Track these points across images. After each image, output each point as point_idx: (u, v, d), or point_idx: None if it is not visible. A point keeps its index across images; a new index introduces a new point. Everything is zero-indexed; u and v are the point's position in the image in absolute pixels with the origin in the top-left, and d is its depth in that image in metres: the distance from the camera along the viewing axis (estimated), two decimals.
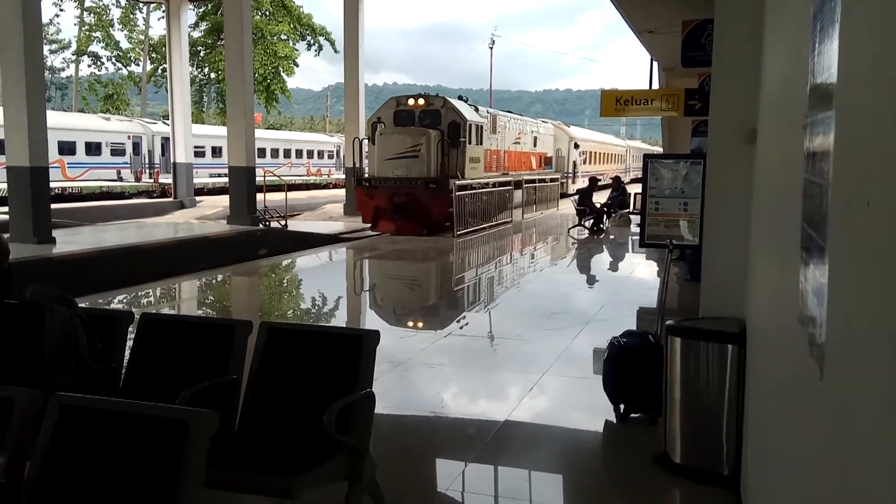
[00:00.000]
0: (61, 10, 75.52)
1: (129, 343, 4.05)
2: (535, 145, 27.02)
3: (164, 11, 25.38)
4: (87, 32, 44.42)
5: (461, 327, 8.47)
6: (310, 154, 44.14)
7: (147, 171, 32.77)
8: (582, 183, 27.29)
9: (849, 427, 1.41)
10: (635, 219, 17.12)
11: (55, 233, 13.70)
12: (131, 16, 44.80)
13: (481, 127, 19.98)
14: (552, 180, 26.52)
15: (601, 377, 5.16)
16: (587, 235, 17.81)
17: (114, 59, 45.74)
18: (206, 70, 44.38)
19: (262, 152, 32.33)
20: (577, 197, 19.11)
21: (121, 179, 31.24)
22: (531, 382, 5.91)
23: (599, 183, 21.34)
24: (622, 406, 5.03)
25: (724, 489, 3.89)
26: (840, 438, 1.48)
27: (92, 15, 44.26)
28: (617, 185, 20.98)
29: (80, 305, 3.96)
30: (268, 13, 42.69)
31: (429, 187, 17.26)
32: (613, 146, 45.94)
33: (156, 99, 56.42)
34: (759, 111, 3.97)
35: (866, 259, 1.30)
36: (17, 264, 7.01)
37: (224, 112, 31.38)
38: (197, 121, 36.92)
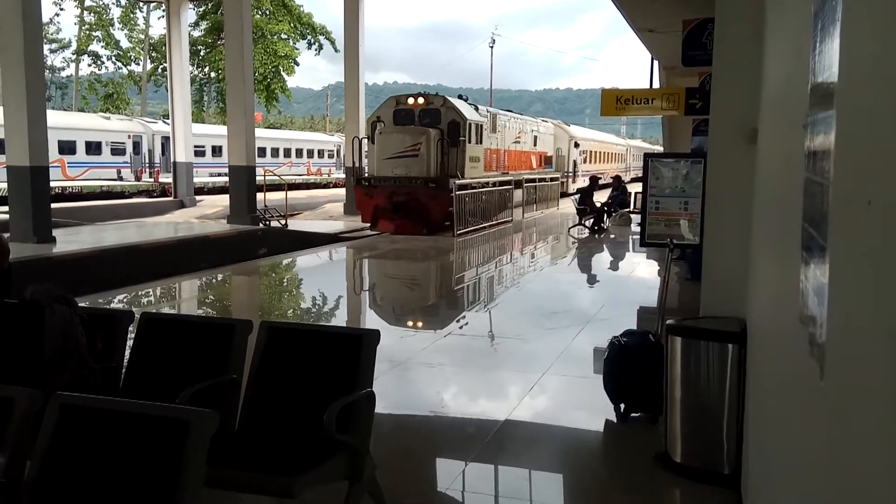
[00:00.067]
0: (61, 9, 75.56)
1: (130, 342, 4.05)
2: (535, 144, 27.01)
3: (164, 10, 25.39)
4: (88, 32, 44.44)
5: (461, 327, 8.47)
6: (310, 153, 44.13)
7: (147, 170, 32.76)
8: (582, 182, 27.32)
9: (849, 426, 1.41)
10: (636, 218, 17.11)
11: (55, 232, 13.69)
12: (131, 15, 44.83)
13: (481, 126, 19.96)
14: (552, 179, 26.50)
15: (601, 377, 5.16)
16: (587, 235, 17.81)
17: (114, 59, 45.81)
18: (207, 69, 44.36)
19: (262, 151, 32.32)
20: (577, 196, 19.10)
21: (121, 179, 31.23)
22: (531, 382, 5.91)
23: (600, 182, 21.34)
24: (622, 405, 5.02)
25: (725, 488, 3.89)
26: (840, 438, 1.48)
27: (92, 14, 44.30)
28: (617, 184, 20.98)
29: (80, 305, 3.96)
30: (268, 12, 42.68)
31: (428, 186, 17.25)
32: (614, 145, 45.93)
33: (156, 98, 56.41)
34: (760, 110, 3.97)
35: (867, 258, 1.30)
36: (18, 264, 7.01)
37: (224, 111, 31.38)
38: (197, 120, 36.90)
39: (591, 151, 37.19)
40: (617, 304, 9.43)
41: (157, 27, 47.97)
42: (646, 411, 4.94)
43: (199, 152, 32.18)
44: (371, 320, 9.33)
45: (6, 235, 8.17)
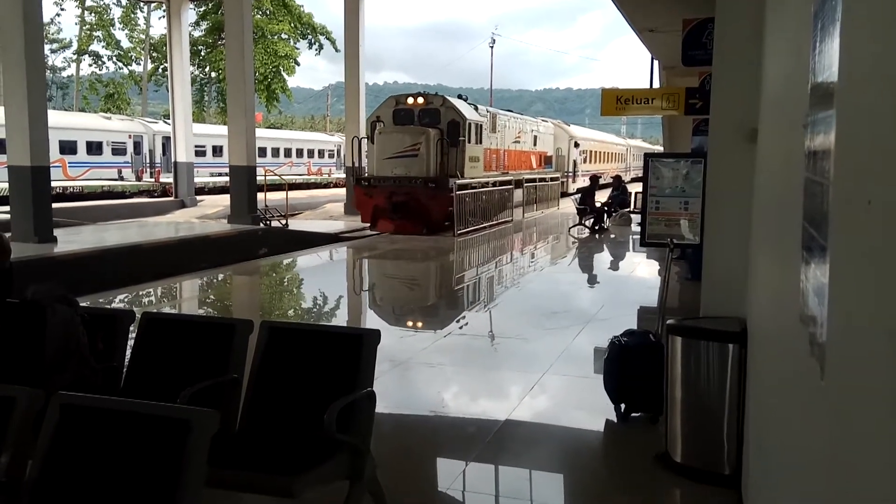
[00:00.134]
0: (62, 9, 75.10)
1: (131, 342, 4.06)
2: (535, 144, 27.00)
3: (164, 11, 25.39)
4: (88, 32, 44.42)
5: (461, 327, 8.47)
6: (310, 153, 44.14)
7: (148, 170, 32.77)
8: (582, 182, 27.32)
9: (850, 426, 1.41)
10: (636, 218, 17.11)
11: (56, 232, 13.70)
12: (132, 15, 44.82)
13: (481, 126, 19.96)
14: (552, 179, 26.49)
15: (602, 376, 5.16)
16: (588, 234, 17.80)
17: (115, 59, 45.79)
18: (207, 69, 44.35)
19: (262, 151, 32.31)
20: (577, 196, 19.10)
21: (122, 179, 31.25)
22: (532, 382, 5.91)
23: (600, 181, 21.33)
24: (623, 405, 5.02)
25: (725, 488, 3.89)
26: (841, 438, 1.48)
27: (93, 14, 44.29)
28: (617, 184, 20.97)
29: (81, 304, 3.96)
30: (268, 12, 42.66)
31: (428, 186, 17.24)
32: (614, 145, 45.92)
33: (157, 98, 56.41)
34: (760, 110, 3.97)
35: (867, 258, 1.30)
36: (19, 263, 7.00)
37: (225, 111, 31.35)
38: (198, 120, 36.90)
39: (591, 151, 37.19)
40: (617, 304, 9.43)
41: (158, 27, 47.96)
42: (646, 411, 4.94)
43: (200, 152, 32.19)
44: (371, 320, 9.34)
45: (7, 235, 8.16)
